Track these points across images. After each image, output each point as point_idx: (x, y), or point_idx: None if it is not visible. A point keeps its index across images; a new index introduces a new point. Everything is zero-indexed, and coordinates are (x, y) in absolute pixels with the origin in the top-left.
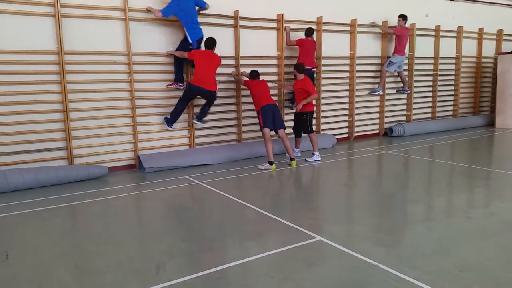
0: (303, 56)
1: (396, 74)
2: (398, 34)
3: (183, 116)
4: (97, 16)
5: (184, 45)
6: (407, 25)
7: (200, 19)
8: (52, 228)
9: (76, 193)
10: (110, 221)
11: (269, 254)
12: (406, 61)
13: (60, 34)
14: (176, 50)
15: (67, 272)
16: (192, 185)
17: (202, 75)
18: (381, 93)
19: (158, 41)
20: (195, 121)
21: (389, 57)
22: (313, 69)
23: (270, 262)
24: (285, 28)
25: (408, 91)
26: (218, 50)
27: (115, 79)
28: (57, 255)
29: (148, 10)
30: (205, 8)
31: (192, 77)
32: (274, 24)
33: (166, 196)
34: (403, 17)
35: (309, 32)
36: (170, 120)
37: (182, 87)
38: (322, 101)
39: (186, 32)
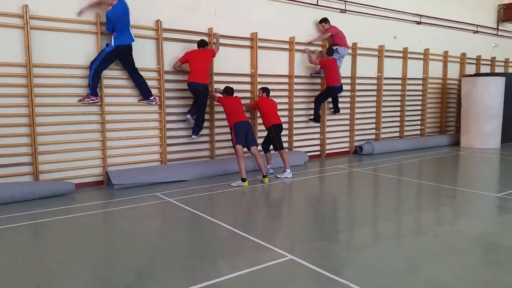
0: (328, 75)
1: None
2: (332, 33)
3: (154, 132)
4: (67, 29)
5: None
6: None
7: (181, 35)
8: (13, 247)
9: (40, 211)
10: (75, 240)
11: (239, 274)
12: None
13: (29, 47)
14: (96, 60)
15: None
16: (162, 203)
17: (194, 72)
18: (322, 76)
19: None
20: (193, 136)
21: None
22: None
23: (241, 283)
24: (305, 50)
25: (323, 75)
26: None
27: (84, 93)
28: (18, 275)
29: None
30: None
31: (188, 76)
32: (247, 43)
33: (134, 214)
34: (325, 21)
35: (330, 51)
36: (198, 130)
37: (154, 102)
38: (294, 119)
39: (113, 36)
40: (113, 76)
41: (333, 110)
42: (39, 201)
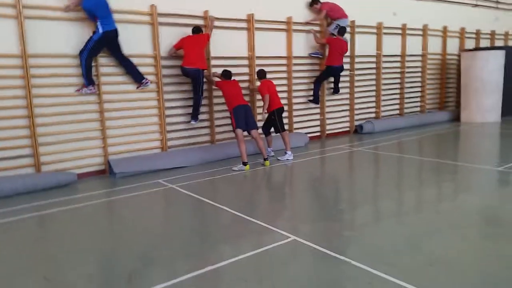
0: (331, 54)
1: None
2: (325, 9)
3: (154, 119)
4: (62, 18)
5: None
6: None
7: (176, 19)
8: (19, 239)
9: (44, 202)
10: (80, 230)
11: (243, 257)
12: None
13: (23, 37)
14: (85, 49)
15: (37, 285)
16: (165, 189)
17: (189, 57)
18: (321, 56)
19: (125, 41)
20: (192, 121)
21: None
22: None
23: (245, 265)
24: (310, 31)
25: (321, 55)
26: None
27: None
28: (25, 267)
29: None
30: None
31: (183, 60)
32: (244, 24)
33: (137, 202)
34: (316, 2)
35: (342, 30)
36: (196, 114)
37: (148, 83)
38: (294, 101)
39: (98, 22)
40: (110, 64)
41: (332, 90)
42: (42, 193)
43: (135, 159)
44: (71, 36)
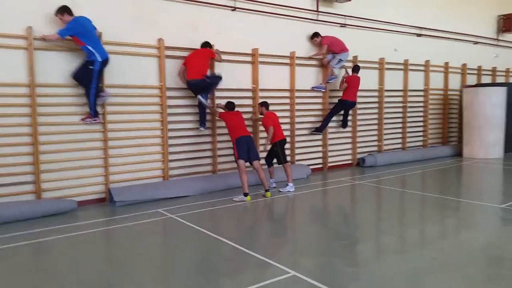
0: (348, 90)
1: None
2: (327, 43)
3: (156, 148)
4: (67, 49)
5: (86, 68)
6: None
7: (182, 53)
8: (13, 268)
9: (42, 229)
10: (76, 260)
11: None
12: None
13: (32, 67)
14: (77, 73)
15: None
16: (165, 219)
17: (191, 70)
18: (323, 90)
19: (132, 72)
20: (201, 128)
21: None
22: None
23: None
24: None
25: (324, 89)
26: None
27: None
28: None
29: (43, 39)
30: None
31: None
32: (249, 58)
33: (136, 232)
34: (317, 35)
35: (357, 68)
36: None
37: (96, 121)
38: (296, 132)
39: (93, 50)
40: (115, 94)
41: (341, 123)
42: (42, 220)
43: (135, 188)
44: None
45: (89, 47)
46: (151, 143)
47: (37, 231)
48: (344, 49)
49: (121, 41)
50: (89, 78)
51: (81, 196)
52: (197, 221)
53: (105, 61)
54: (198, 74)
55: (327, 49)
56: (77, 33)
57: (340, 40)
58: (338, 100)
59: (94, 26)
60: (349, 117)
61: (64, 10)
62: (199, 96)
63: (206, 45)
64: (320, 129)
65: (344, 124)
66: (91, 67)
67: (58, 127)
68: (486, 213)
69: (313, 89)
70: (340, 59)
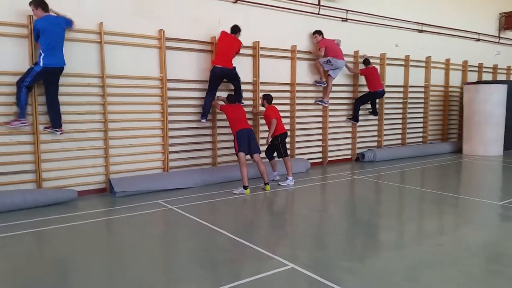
0: (370, 81)
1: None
2: (323, 46)
3: (157, 140)
4: (73, 39)
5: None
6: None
7: (183, 44)
8: (13, 256)
9: (42, 218)
10: (76, 249)
11: (240, 283)
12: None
13: (32, 56)
14: (25, 79)
15: None
16: (164, 210)
17: (221, 55)
18: (323, 84)
19: (133, 63)
20: (202, 120)
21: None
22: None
23: None
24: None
25: (326, 104)
26: (198, 75)
27: (87, 101)
28: (19, 286)
29: None
30: (72, 27)
31: (213, 59)
32: (250, 51)
33: (136, 222)
34: (318, 33)
35: (366, 61)
36: (204, 114)
37: (59, 133)
38: (296, 126)
39: (42, 54)
40: (116, 84)
41: (371, 112)
42: (42, 209)
43: (136, 179)
44: (79, 55)
45: (41, 50)
46: (151, 135)
47: (38, 220)
48: (338, 56)
49: (121, 32)
50: (26, 75)
51: (82, 186)
52: (196, 212)
53: (48, 69)
54: (228, 62)
55: (325, 51)
56: (39, 34)
57: (338, 48)
58: (368, 92)
59: (63, 29)
60: (347, 111)
61: (39, 4)
62: (203, 120)
63: (236, 29)
64: (355, 119)
65: (374, 112)
66: (34, 66)
67: None
68: (484, 210)
69: (316, 83)
70: (328, 60)
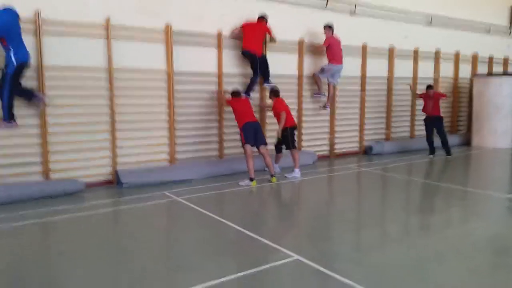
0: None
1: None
2: (325, 45)
3: (163, 132)
4: (78, 33)
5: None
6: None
7: (190, 38)
8: (21, 246)
9: (50, 209)
10: (82, 239)
11: (245, 274)
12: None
13: (40, 50)
14: (4, 87)
15: None
16: (171, 201)
17: (249, 40)
18: (322, 96)
19: (140, 57)
20: (265, 85)
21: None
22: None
23: (246, 283)
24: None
25: (328, 109)
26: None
27: (95, 94)
28: (26, 274)
29: None
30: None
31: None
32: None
33: (142, 213)
34: (328, 27)
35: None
36: (248, 90)
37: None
38: (304, 118)
39: (12, 54)
40: (123, 78)
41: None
42: (49, 200)
43: (142, 171)
44: (86, 50)
45: (10, 50)
46: (158, 127)
47: (45, 211)
48: (335, 60)
49: (129, 25)
50: (3, 83)
51: (89, 178)
52: (202, 204)
53: (22, 65)
54: (258, 48)
55: (326, 49)
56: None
57: (340, 52)
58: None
59: (19, 21)
60: (355, 103)
61: None
62: (243, 95)
63: (262, 18)
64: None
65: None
66: (5, 70)
67: (67, 108)
68: (492, 203)
69: (313, 96)
70: (323, 69)
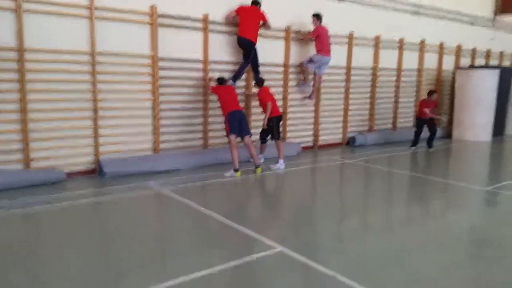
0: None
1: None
2: (314, 36)
3: (147, 120)
4: (60, 13)
5: None
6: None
7: (175, 21)
8: (0, 237)
9: (29, 199)
10: (62, 230)
11: (229, 265)
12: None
13: (21, 31)
14: None
15: (20, 284)
16: (154, 192)
17: (246, 27)
18: (307, 86)
19: (123, 40)
20: (231, 81)
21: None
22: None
23: (230, 274)
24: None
25: (313, 100)
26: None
27: (77, 79)
28: (6, 266)
29: None
30: None
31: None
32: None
33: (124, 204)
34: (317, 17)
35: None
36: (235, 77)
37: None
38: (288, 109)
39: None
40: (106, 62)
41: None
42: (29, 189)
43: (125, 160)
44: (68, 31)
45: None
46: (142, 115)
47: (25, 201)
48: (323, 51)
49: (112, 7)
50: None
51: (71, 167)
52: (186, 194)
53: None
54: (252, 36)
55: (315, 39)
56: None
57: (328, 43)
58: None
59: None
60: (339, 95)
61: None
62: (231, 81)
63: (256, 3)
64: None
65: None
66: None
67: (47, 94)
68: (471, 195)
69: (297, 86)
70: (311, 59)
